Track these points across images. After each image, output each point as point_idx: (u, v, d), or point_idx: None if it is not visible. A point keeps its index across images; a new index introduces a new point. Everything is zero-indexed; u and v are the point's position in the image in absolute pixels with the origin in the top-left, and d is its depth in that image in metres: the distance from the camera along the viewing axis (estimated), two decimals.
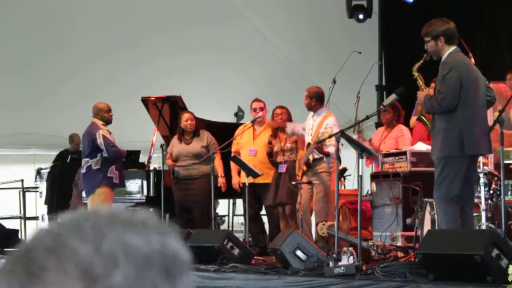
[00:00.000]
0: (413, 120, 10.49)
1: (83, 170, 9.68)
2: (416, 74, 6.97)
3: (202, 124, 10.53)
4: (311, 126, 9.17)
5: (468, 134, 6.43)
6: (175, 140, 10.28)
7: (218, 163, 10.00)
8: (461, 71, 6.52)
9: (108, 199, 9.47)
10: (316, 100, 9.25)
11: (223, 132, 10.32)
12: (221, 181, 10.01)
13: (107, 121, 9.72)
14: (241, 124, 10.92)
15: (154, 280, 0.93)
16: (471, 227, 6.67)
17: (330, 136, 8.09)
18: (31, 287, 0.90)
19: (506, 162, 6.85)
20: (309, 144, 9.03)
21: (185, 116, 10.16)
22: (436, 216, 7.33)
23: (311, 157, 9.07)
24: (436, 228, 7.18)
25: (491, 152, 6.44)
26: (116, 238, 0.92)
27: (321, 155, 9.04)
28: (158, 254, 0.94)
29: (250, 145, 9.99)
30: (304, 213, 9.13)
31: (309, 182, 8.94)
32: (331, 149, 8.83)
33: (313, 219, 9.36)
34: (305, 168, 9.07)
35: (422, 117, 7.28)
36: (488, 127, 6.57)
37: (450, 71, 6.52)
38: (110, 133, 9.61)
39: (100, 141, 9.53)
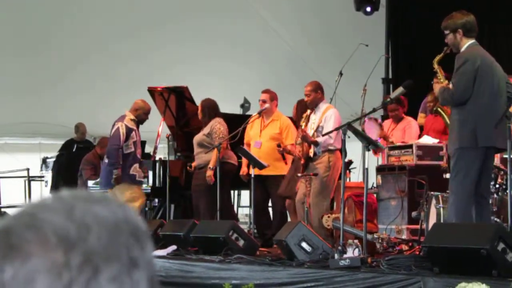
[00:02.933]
0: (420, 117, 10.48)
1: (106, 160, 9.78)
2: (436, 66, 6.96)
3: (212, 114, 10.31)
4: (313, 120, 9.14)
5: (482, 126, 6.41)
6: None
7: (215, 153, 9.65)
8: (476, 64, 6.51)
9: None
10: (321, 92, 9.23)
11: (231, 124, 10.24)
12: (208, 173, 9.78)
13: (140, 121, 9.75)
14: (248, 115, 10.90)
15: (127, 243, 0.98)
16: (487, 220, 6.64)
17: (336, 129, 8.10)
18: (15, 259, 0.94)
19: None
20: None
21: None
22: (441, 209, 7.33)
23: (311, 152, 9.06)
24: (442, 221, 7.19)
25: (505, 146, 6.37)
26: (84, 209, 0.98)
27: (321, 149, 9.02)
28: (124, 222, 1.00)
29: (256, 137, 9.98)
30: (297, 205, 9.14)
31: (315, 174, 8.93)
32: (321, 139, 8.83)
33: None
34: (303, 161, 9.07)
35: (439, 109, 7.22)
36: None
37: (464, 64, 6.51)
38: (133, 132, 9.62)
39: (112, 131, 9.52)
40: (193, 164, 10.10)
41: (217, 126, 9.87)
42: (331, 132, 8.51)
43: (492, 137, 6.43)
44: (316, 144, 8.96)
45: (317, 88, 9.22)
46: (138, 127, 9.83)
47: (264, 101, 9.93)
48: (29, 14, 14.18)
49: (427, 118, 10.25)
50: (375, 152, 8.93)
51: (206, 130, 9.95)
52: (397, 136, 9.69)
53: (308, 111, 9.20)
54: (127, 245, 0.99)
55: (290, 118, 10.29)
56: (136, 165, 9.63)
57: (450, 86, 6.71)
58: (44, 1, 14.05)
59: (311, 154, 9.08)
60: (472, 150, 6.44)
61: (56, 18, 14.29)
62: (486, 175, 6.61)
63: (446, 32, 6.73)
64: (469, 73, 6.47)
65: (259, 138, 9.95)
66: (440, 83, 6.85)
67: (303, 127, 9.07)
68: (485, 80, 6.52)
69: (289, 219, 9.86)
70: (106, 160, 9.77)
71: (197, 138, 10.05)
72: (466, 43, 6.65)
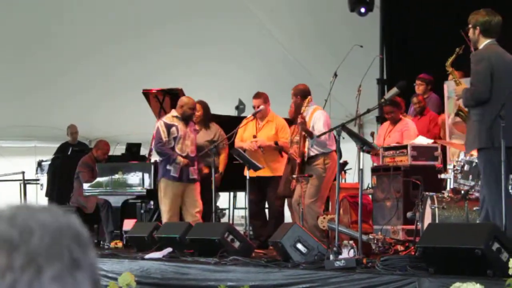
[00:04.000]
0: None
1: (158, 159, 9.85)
2: (449, 69, 6.96)
3: (210, 116, 10.47)
4: None
5: (498, 127, 6.34)
6: None
7: (223, 157, 10.16)
8: (492, 62, 6.49)
9: (167, 192, 9.54)
10: (300, 97, 9.26)
11: (226, 126, 10.28)
12: (216, 177, 9.79)
13: (186, 117, 9.66)
14: (243, 117, 10.92)
15: (69, 245, 1.03)
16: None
17: (330, 130, 8.11)
18: None
19: None
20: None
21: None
22: (436, 209, 7.34)
23: (307, 153, 9.07)
24: (437, 221, 7.19)
25: None
26: (26, 215, 1.03)
27: (317, 152, 9.03)
28: (66, 227, 1.05)
29: (251, 138, 9.99)
30: (293, 206, 9.14)
31: (310, 176, 8.94)
32: (316, 132, 8.85)
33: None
34: (299, 160, 9.07)
35: (460, 112, 7.10)
36: None
37: (480, 63, 6.50)
38: (173, 127, 9.57)
39: (154, 131, 9.67)
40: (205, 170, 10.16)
41: (222, 132, 10.20)
42: (325, 133, 8.52)
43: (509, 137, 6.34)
44: (311, 135, 8.96)
45: (297, 93, 9.30)
46: (187, 124, 9.68)
47: (257, 106, 9.97)
48: (24, 16, 14.16)
49: (412, 120, 10.29)
50: (370, 152, 8.93)
51: (209, 135, 10.11)
52: (394, 138, 9.70)
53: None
54: (69, 247, 1.03)
55: (286, 119, 10.31)
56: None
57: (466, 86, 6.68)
58: (39, 3, 14.03)
59: (307, 156, 9.08)
60: (490, 151, 6.40)
61: (51, 20, 14.27)
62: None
63: (469, 26, 6.74)
64: (485, 71, 6.45)
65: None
66: (459, 84, 6.84)
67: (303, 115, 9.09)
68: (504, 78, 6.49)
69: (285, 220, 9.86)
70: (158, 159, 9.83)
71: (198, 141, 10.06)
72: (484, 42, 6.64)
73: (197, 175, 9.71)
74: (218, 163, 10.00)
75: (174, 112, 9.72)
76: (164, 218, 9.54)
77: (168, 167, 9.49)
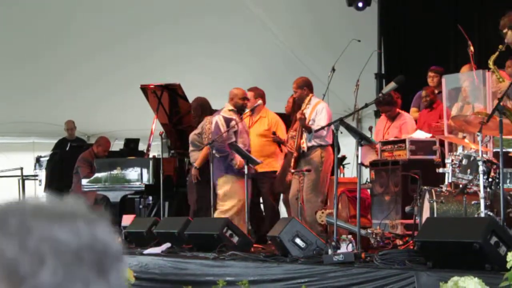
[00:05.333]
0: (413, 111, 10.49)
1: (216, 154, 9.38)
2: (492, 67, 6.95)
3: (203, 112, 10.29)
4: (306, 116, 9.15)
5: None
6: None
7: (203, 152, 9.71)
8: None
9: (234, 188, 9.24)
10: (307, 88, 9.26)
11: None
12: (193, 172, 9.79)
13: (240, 108, 9.42)
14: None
15: (86, 277, 0.88)
16: None
17: (328, 125, 8.11)
18: None
19: (505, 150, 6.84)
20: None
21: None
22: (434, 203, 7.34)
23: (304, 146, 9.08)
24: (435, 215, 7.20)
25: None
26: (42, 233, 0.87)
27: (314, 144, 9.04)
28: (88, 248, 0.89)
29: None
30: (291, 201, 9.14)
31: (308, 170, 8.95)
32: (315, 127, 8.84)
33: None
34: (295, 154, 9.08)
35: (507, 111, 7.00)
36: None
37: None
38: (234, 120, 9.30)
39: (212, 127, 9.35)
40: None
41: (207, 126, 9.79)
42: (323, 128, 8.54)
43: None
44: (309, 130, 8.97)
45: (303, 85, 9.27)
46: (241, 116, 9.49)
47: (248, 100, 9.86)
48: (24, 16, 14.15)
49: (421, 113, 10.26)
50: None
51: (197, 129, 9.95)
52: (393, 133, 9.69)
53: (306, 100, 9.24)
54: (85, 279, 0.88)
55: (282, 114, 10.31)
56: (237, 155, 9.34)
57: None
58: (40, 3, 14.02)
59: (304, 149, 9.09)
60: None
61: (50, 19, 14.26)
62: None
63: (504, 30, 6.74)
64: None
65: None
66: (501, 82, 6.82)
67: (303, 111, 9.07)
68: None
69: (282, 215, 9.86)
70: (216, 155, 9.40)
71: (190, 137, 10.06)
72: None
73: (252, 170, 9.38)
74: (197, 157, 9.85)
75: (229, 106, 9.42)
76: (229, 214, 9.09)
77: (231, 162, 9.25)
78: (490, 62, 6.96)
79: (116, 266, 0.91)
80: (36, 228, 0.87)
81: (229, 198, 9.22)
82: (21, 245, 0.86)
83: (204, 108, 10.07)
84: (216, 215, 9.08)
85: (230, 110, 9.37)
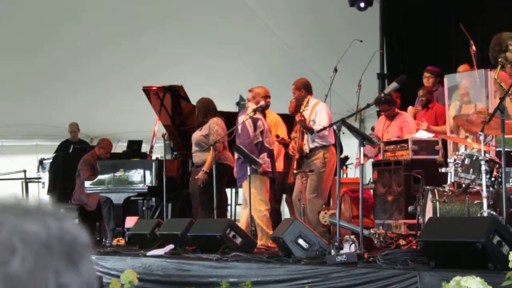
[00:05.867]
0: (410, 110, 10.49)
1: (235, 156, 9.33)
2: (498, 81, 6.96)
3: (208, 113, 10.20)
4: (305, 117, 9.13)
5: None
6: None
7: (210, 155, 9.61)
8: None
9: (262, 187, 9.11)
10: (304, 90, 9.25)
11: (227, 122, 10.21)
12: (200, 175, 9.73)
13: (262, 108, 9.31)
14: None
15: (56, 266, 0.91)
16: None
17: (331, 125, 8.11)
18: None
19: (507, 149, 6.84)
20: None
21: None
22: (437, 203, 7.34)
23: (306, 147, 9.07)
24: (438, 215, 7.20)
25: None
26: (12, 225, 0.91)
27: (316, 145, 9.02)
28: (57, 239, 0.93)
29: None
30: (294, 202, 9.14)
31: (311, 171, 8.95)
32: (317, 127, 8.83)
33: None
34: (297, 155, 9.08)
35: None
36: None
37: None
38: (259, 121, 9.19)
39: (239, 127, 9.27)
40: (193, 161, 10.09)
41: (215, 127, 9.79)
42: (325, 128, 8.54)
43: None
44: (311, 131, 8.95)
45: (301, 87, 9.25)
46: (264, 115, 9.42)
47: (248, 100, 9.89)
48: (24, 16, 14.16)
49: (419, 114, 10.26)
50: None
51: (204, 130, 9.90)
52: (393, 133, 9.69)
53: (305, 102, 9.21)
54: (56, 270, 0.91)
55: (285, 114, 10.30)
56: (264, 155, 9.26)
57: None
58: (40, 3, 14.03)
59: (307, 150, 9.08)
60: None
61: (51, 20, 14.27)
62: None
63: (501, 57, 6.76)
64: None
65: None
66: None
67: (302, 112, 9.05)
68: None
69: (285, 216, 9.87)
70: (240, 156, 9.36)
71: (195, 137, 10.02)
72: None
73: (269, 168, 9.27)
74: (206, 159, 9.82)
75: (252, 105, 9.31)
76: (262, 213, 9.01)
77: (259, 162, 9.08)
78: (495, 76, 6.96)
79: (86, 256, 0.95)
80: (5, 222, 0.90)
81: (264, 197, 9.11)
82: None
83: (209, 109, 10.04)
84: (246, 214, 9.01)
85: (254, 110, 9.24)
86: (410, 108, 10.43)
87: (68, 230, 0.94)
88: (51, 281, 0.90)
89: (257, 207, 8.98)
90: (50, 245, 0.91)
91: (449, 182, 7.44)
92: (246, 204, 9.04)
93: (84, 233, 0.97)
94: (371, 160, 9.81)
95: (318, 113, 9.05)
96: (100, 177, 11.16)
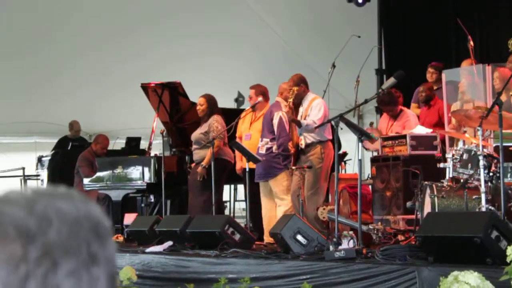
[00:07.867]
0: (413, 107, 10.46)
1: (262, 151, 9.19)
2: None
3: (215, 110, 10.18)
4: (301, 113, 9.10)
5: None
6: None
7: (210, 151, 9.56)
8: None
9: (289, 183, 9.07)
10: (304, 85, 9.22)
11: (226, 118, 10.20)
12: (199, 170, 9.73)
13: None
14: (242, 110, 10.90)
15: (87, 238, 1.00)
16: None
17: (329, 121, 8.10)
18: None
19: (505, 144, 6.85)
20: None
21: (198, 100, 9.93)
22: (435, 198, 7.34)
23: (303, 143, 9.05)
24: (436, 210, 7.20)
25: None
26: (46, 203, 1.00)
27: (313, 140, 8.99)
28: (85, 218, 1.02)
29: (246, 130, 9.99)
30: (292, 198, 9.13)
31: (309, 167, 8.93)
32: (305, 122, 8.80)
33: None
34: (293, 150, 9.07)
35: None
36: None
37: None
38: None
39: (275, 121, 9.20)
40: (193, 158, 10.10)
41: (215, 124, 9.81)
42: (323, 124, 8.51)
43: None
44: (299, 124, 8.91)
45: (299, 82, 9.19)
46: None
47: (250, 97, 9.91)
48: (22, 14, 14.15)
49: (421, 111, 10.22)
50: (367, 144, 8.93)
51: (204, 128, 9.93)
52: (397, 131, 9.65)
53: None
54: (87, 240, 1.00)
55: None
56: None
57: None
58: (38, 1, 14.03)
59: (302, 146, 9.05)
60: None
61: (50, 18, 14.27)
62: None
63: None
64: None
65: (248, 131, 9.94)
66: None
67: (290, 104, 8.98)
68: None
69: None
70: (275, 151, 9.19)
71: (195, 135, 10.03)
72: None
73: None
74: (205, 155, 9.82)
75: (284, 102, 9.23)
76: (285, 209, 9.01)
77: (288, 159, 9.13)
78: None
79: (109, 237, 1.05)
80: (40, 200, 1.00)
81: (288, 193, 9.15)
82: (28, 211, 0.98)
83: (215, 106, 10.06)
84: (279, 212, 9.01)
85: (285, 106, 9.17)
86: (413, 105, 10.41)
87: (94, 212, 1.04)
88: (83, 249, 0.99)
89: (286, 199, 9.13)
90: (80, 221, 1.01)
91: (447, 177, 7.45)
92: (281, 199, 9.11)
93: (106, 218, 1.07)
94: (369, 156, 9.80)
95: (313, 109, 8.99)
96: (99, 174, 11.17)
